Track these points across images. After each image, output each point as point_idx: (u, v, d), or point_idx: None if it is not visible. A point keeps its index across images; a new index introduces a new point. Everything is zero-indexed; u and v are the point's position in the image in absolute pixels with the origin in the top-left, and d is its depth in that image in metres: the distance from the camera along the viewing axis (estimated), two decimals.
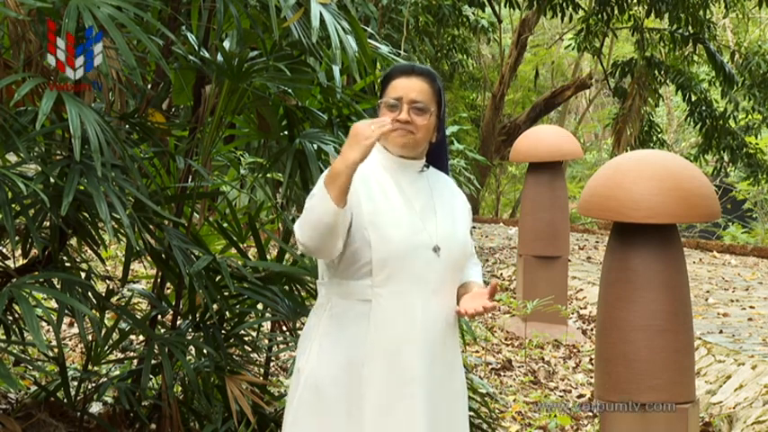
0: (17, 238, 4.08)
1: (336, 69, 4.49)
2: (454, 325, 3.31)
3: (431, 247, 3.21)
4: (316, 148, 4.54)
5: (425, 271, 3.20)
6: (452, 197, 3.37)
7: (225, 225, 4.81)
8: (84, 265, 4.48)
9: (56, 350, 4.48)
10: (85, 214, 4.08)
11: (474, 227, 14.37)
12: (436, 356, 3.22)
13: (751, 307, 9.80)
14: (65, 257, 4.30)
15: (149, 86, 4.53)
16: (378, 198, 3.21)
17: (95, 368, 4.70)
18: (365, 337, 3.18)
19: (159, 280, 4.68)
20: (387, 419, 3.15)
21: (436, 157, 3.39)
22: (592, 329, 9.08)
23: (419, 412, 3.17)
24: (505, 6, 15.55)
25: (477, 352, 7.63)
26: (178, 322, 4.58)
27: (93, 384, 4.60)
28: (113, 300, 4.82)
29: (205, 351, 4.39)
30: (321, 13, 4.13)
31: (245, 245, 4.83)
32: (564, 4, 15.35)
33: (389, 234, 3.14)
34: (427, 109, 3.24)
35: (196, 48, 4.47)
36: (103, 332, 4.46)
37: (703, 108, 16.74)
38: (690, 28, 15.29)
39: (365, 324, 3.18)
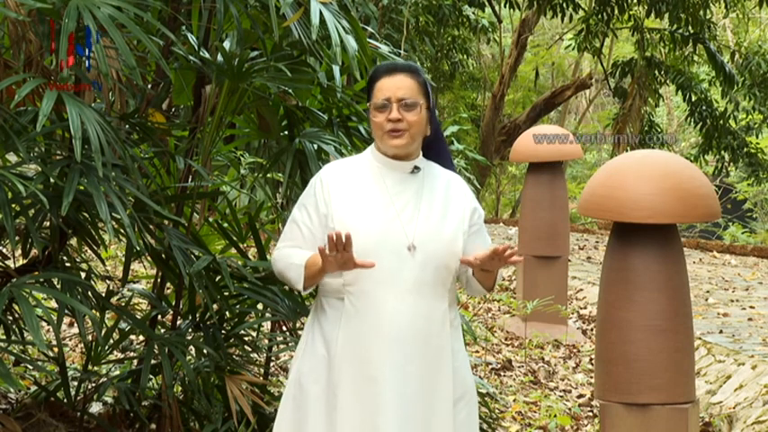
0: (17, 238, 4.08)
1: (336, 69, 4.49)
2: (442, 325, 3.28)
3: (405, 246, 3.21)
4: (316, 147, 4.54)
5: (398, 270, 3.20)
6: (450, 198, 3.33)
7: (225, 225, 4.81)
8: (84, 265, 4.48)
9: (56, 350, 4.48)
10: (85, 214, 4.07)
11: None
12: (411, 356, 3.20)
13: (751, 307, 9.80)
14: (65, 257, 4.30)
15: (149, 86, 4.53)
16: (351, 200, 3.25)
17: (95, 368, 4.70)
18: (338, 333, 3.21)
19: (159, 280, 4.67)
20: (355, 417, 3.18)
21: (435, 151, 3.39)
22: (592, 329, 9.08)
23: (385, 411, 3.16)
24: (505, 6, 15.56)
25: (477, 352, 7.62)
26: (178, 322, 4.57)
27: (93, 384, 4.60)
28: (113, 300, 4.81)
29: (205, 351, 4.39)
30: (321, 12, 4.12)
31: (245, 245, 4.82)
32: (564, 4, 15.36)
33: (355, 233, 3.14)
34: (416, 104, 3.25)
35: (196, 48, 4.46)
36: (103, 332, 4.45)
37: (703, 108, 16.73)
38: (690, 28, 15.29)
39: (338, 321, 3.22)
